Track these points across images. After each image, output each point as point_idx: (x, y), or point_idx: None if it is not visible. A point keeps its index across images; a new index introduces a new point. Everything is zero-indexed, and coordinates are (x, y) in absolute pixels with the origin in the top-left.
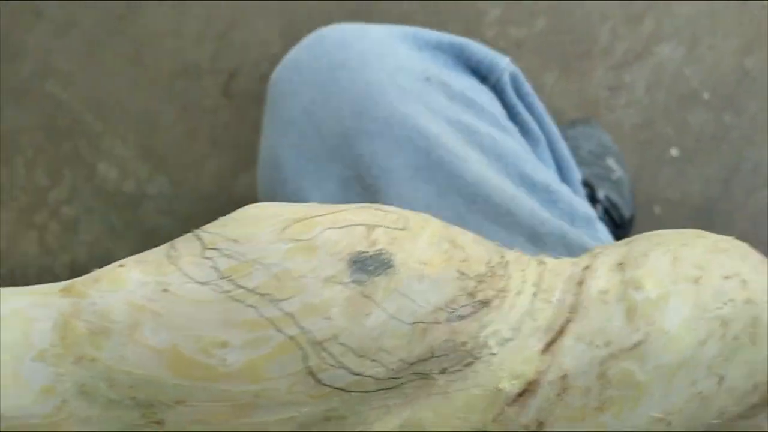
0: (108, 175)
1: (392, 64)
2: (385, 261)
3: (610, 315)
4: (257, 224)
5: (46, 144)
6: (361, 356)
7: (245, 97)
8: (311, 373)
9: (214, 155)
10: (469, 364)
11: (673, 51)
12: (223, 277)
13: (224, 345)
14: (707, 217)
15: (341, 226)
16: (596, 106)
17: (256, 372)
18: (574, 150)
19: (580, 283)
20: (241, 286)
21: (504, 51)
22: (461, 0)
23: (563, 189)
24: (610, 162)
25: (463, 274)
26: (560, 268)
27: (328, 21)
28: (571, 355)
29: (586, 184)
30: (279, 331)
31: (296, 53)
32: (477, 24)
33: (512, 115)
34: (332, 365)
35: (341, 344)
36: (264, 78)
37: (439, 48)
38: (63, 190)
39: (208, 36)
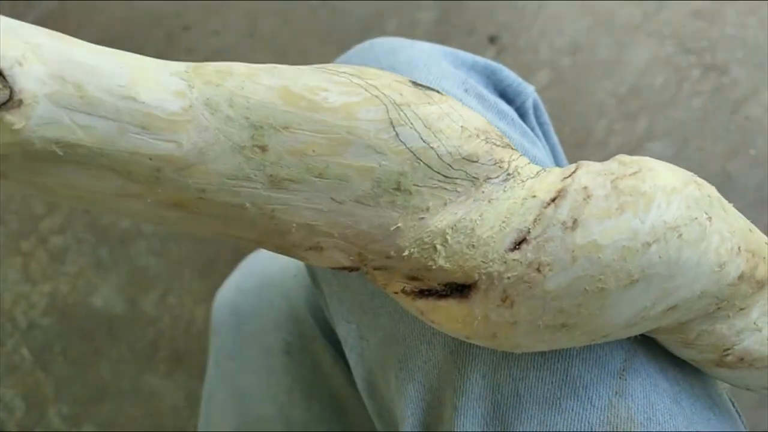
0: None
1: (437, 72)
2: (436, 90)
3: (607, 164)
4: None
5: None
6: (427, 127)
7: None
8: (392, 124)
9: None
10: (506, 180)
11: (663, 149)
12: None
13: (326, 89)
14: None
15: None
16: None
17: (350, 111)
18: None
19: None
20: (331, 69)
21: None
22: None
23: None
24: None
25: (486, 131)
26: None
27: None
28: (586, 178)
29: None
30: (366, 90)
31: (346, 58)
32: None
33: None
34: (407, 124)
35: (413, 112)
36: None
37: (473, 68)
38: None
39: None
